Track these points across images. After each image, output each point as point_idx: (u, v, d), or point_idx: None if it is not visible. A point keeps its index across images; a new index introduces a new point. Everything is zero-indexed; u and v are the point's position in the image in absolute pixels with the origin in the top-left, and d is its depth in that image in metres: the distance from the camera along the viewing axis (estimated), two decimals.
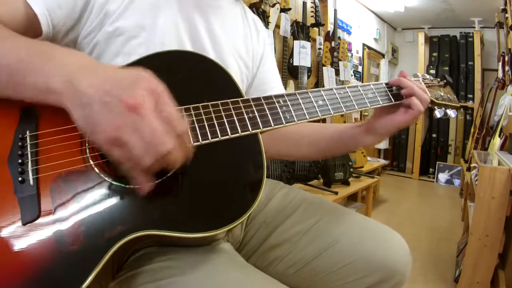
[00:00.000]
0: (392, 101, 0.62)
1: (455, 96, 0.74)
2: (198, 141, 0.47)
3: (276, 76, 0.80)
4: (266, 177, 0.51)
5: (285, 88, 2.33)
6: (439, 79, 0.74)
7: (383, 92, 0.62)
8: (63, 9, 0.50)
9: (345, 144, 0.68)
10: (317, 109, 0.55)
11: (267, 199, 0.73)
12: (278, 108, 0.53)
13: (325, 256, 0.64)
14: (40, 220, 0.40)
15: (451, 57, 4.42)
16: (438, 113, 0.70)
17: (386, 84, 0.63)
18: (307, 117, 0.54)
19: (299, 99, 0.55)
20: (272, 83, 0.78)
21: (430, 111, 0.71)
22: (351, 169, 2.42)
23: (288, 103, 0.54)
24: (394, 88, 0.63)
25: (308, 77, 2.61)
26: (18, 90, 0.41)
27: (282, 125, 0.52)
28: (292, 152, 0.78)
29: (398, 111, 0.61)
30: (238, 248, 0.69)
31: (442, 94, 0.71)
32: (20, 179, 0.41)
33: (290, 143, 0.75)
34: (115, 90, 0.38)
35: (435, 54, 4.50)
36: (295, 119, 0.53)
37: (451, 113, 0.71)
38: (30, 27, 0.49)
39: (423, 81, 0.69)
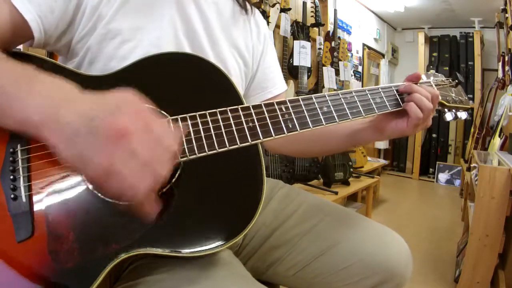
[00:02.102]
0: (401, 106, 0.59)
1: (466, 97, 0.70)
2: (194, 154, 0.44)
3: (278, 72, 0.78)
4: (266, 176, 0.50)
5: None
6: (451, 79, 0.70)
7: (392, 96, 0.59)
8: (55, 13, 0.49)
9: (356, 141, 0.67)
10: (321, 117, 0.52)
11: (267, 199, 0.72)
12: (280, 117, 0.50)
13: (325, 258, 0.63)
14: (35, 238, 0.39)
15: (451, 57, 4.42)
16: (448, 116, 0.66)
17: (397, 87, 0.60)
18: (311, 126, 0.51)
19: (303, 106, 0.52)
20: (274, 79, 0.76)
21: (440, 113, 0.68)
22: (351, 169, 2.42)
23: (291, 110, 0.51)
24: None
25: (308, 77, 2.61)
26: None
27: (284, 135, 0.49)
28: (302, 150, 0.76)
29: (403, 118, 0.58)
30: (237, 251, 0.69)
31: (453, 95, 0.67)
32: (12, 196, 0.40)
33: (303, 142, 0.73)
34: (99, 116, 0.35)
35: (435, 54, 4.51)
36: (298, 128, 0.50)
37: (462, 115, 0.68)
38: (19, 33, 0.47)
39: (434, 81, 0.66)
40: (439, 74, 0.70)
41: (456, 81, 0.70)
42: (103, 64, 0.53)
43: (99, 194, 0.43)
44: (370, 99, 0.57)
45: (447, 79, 0.70)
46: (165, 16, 0.57)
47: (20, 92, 0.37)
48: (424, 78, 0.65)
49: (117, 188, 0.35)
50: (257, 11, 0.75)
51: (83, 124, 0.35)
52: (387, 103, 0.58)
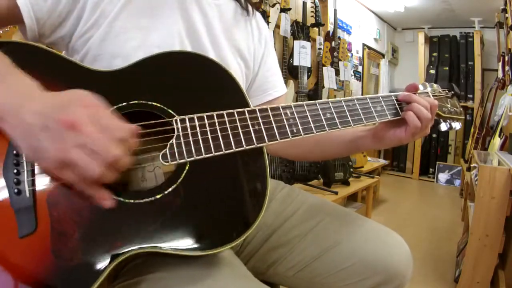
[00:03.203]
0: (400, 115, 0.60)
1: (460, 108, 0.72)
2: (201, 155, 0.45)
3: (278, 74, 0.79)
4: None
5: None
6: (447, 91, 0.71)
7: (391, 105, 0.61)
8: (48, 1, 0.49)
9: (356, 148, 0.68)
10: (324, 123, 0.54)
11: (268, 200, 0.72)
12: (285, 121, 0.51)
13: (325, 258, 0.63)
14: (38, 234, 0.39)
15: (451, 57, 4.42)
16: (443, 126, 0.67)
17: (396, 96, 0.62)
18: (314, 131, 0.52)
19: (307, 112, 0.53)
20: (274, 82, 0.76)
21: (435, 124, 0.69)
22: (351, 169, 2.41)
23: (296, 115, 0.52)
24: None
25: (308, 77, 2.61)
26: None
27: (288, 139, 0.50)
28: (304, 155, 0.77)
29: (401, 127, 0.60)
30: (238, 251, 0.69)
31: (449, 106, 0.69)
32: (16, 190, 0.39)
33: (304, 147, 0.74)
34: (52, 112, 0.37)
35: (435, 54, 4.50)
36: (302, 133, 0.51)
37: (456, 125, 0.69)
38: (11, 17, 0.48)
39: (431, 92, 0.67)
40: (435, 85, 0.71)
41: (452, 92, 0.72)
42: (107, 62, 0.53)
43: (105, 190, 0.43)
44: (371, 107, 0.59)
45: (443, 90, 0.71)
46: (168, 18, 0.58)
47: None
48: (421, 88, 0.66)
49: (71, 178, 0.38)
50: (258, 14, 0.76)
51: (37, 122, 0.37)
52: (387, 112, 0.60)
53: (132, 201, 0.43)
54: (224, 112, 0.48)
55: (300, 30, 2.58)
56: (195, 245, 0.44)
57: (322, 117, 0.54)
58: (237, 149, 0.47)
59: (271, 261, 0.67)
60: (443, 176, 4.26)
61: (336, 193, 2.11)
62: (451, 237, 2.33)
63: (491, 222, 1.35)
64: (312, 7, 2.76)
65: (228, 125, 0.47)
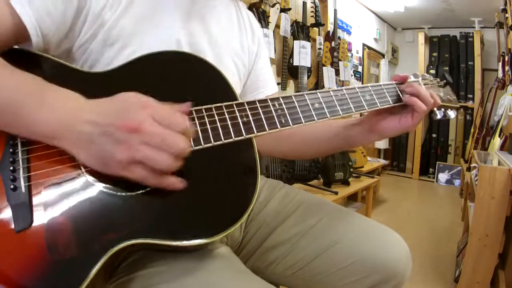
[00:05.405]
0: (390, 103, 0.61)
1: (455, 96, 0.73)
2: (190, 147, 0.46)
3: (270, 74, 0.80)
4: (266, 177, 0.51)
5: (285, 88, 2.33)
6: (439, 79, 0.72)
7: (381, 94, 0.61)
8: (53, 17, 0.48)
9: (348, 143, 0.68)
10: (313, 113, 0.54)
11: (267, 199, 0.73)
12: (273, 112, 0.52)
13: (325, 257, 0.64)
14: (33, 228, 0.40)
15: (451, 57, 4.42)
16: (437, 114, 0.68)
17: (385, 85, 0.62)
18: (303, 121, 0.53)
19: (295, 102, 0.54)
20: (265, 81, 0.78)
21: (429, 112, 0.70)
22: (351, 169, 2.41)
23: (284, 106, 0.53)
24: (393, 89, 0.62)
25: (308, 77, 2.61)
26: (10, 129, 0.42)
27: (277, 130, 0.51)
28: (293, 152, 0.77)
29: (405, 115, 0.61)
30: (237, 250, 0.69)
31: (442, 95, 0.69)
32: (12, 186, 0.41)
33: (293, 143, 0.74)
34: (110, 119, 0.40)
35: (435, 54, 4.50)
36: (291, 123, 0.52)
37: (451, 113, 0.70)
38: (17, 35, 0.47)
39: (422, 81, 0.68)
40: (427, 75, 0.71)
41: (445, 81, 0.73)
42: (103, 69, 0.53)
43: (97, 185, 0.43)
44: (360, 97, 0.59)
45: (435, 79, 0.72)
46: (166, 22, 0.58)
47: (30, 106, 0.41)
48: (412, 78, 0.67)
49: (140, 176, 0.40)
50: (250, 13, 0.78)
51: (95, 130, 0.40)
52: (377, 101, 0.60)
53: (124, 193, 0.44)
54: (213, 106, 0.49)
55: (300, 30, 2.58)
56: (187, 236, 0.44)
57: (311, 107, 0.54)
58: (226, 141, 0.47)
59: (271, 260, 0.67)
60: (443, 176, 4.26)
61: (336, 193, 2.11)
62: (451, 237, 2.33)
63: (491, 222, 1.35)
64: (312, 7, 2.76)
65: (216, 118, 0.48)
